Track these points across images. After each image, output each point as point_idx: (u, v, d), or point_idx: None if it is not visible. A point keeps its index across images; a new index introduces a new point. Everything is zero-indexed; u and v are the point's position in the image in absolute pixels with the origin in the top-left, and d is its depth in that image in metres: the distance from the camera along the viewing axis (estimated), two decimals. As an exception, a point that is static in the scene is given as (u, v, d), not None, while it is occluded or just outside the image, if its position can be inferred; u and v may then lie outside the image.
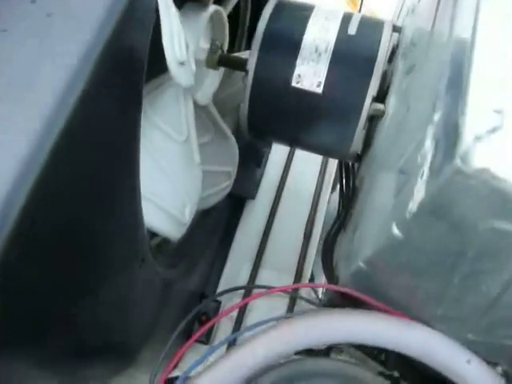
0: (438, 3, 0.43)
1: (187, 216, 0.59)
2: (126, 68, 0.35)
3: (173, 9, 0.41)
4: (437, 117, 0.28)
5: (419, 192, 0.28)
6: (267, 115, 0.56)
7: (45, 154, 0.26)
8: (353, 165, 0.65)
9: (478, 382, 0.24)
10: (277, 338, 0.24)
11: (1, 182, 0.25)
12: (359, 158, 0.62)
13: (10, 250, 0.26)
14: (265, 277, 0.79)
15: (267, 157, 0.89)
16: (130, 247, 0.43)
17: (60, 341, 0.38)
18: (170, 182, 0.56)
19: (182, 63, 0.44)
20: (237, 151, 0.76)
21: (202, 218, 0.77)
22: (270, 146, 0.89)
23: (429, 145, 0.28)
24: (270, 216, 0.85)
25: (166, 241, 0.65)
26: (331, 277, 0.61)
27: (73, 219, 0.34)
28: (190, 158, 0.59)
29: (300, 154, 0.90)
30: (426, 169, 0.28)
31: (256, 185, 0.86)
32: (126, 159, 0.39)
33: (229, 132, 0.74)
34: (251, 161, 0.86)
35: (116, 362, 0.55)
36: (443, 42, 0.34)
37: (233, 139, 0.75)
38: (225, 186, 0.78)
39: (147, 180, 0.46)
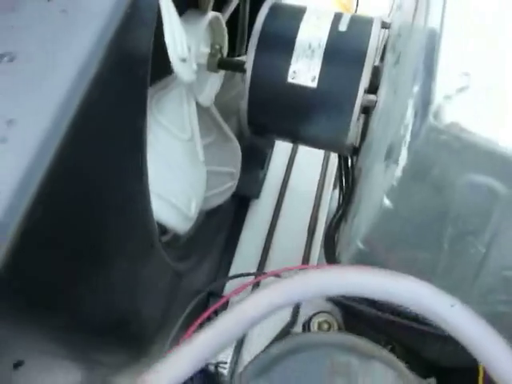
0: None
1: (193, 210, 0.61)
2: (131, 63, 0.38)
3: (173, 9, 0.44)
4: (416, 89, 0.30)
5: (403, 159, 0.31)
6: (266, 111, 0.59)
7: (54, 146, 0.28)
8: (351, 158, 0.67)
9: (461, 323, 0.26)
10: (272, 292, 0.26)
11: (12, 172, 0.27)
12: (356, 151, 0.65)
13: (25, 230, 0.27)
14: (271, 273, 0.81)
15: (270, 158, 0.92)
16: (140, 232, 0.46)
17: (73, 320, 0.40)
18: (175, 177, 0.59)
19: (183, 60, 0.47)
20: (239, 152, 0.79)
21: (208, 217, 0.80)
22: (271, 147, 0.92)
23: (410, 115, 0.31)
24: (274, 215, 0.88)
25: (174, 239, 0.68)
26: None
27: (83, 206, 0.36)
28: (195, 155, 0.62)
29: (302, 154, 0.93)
30: (407, 136, 0.30)
31: (259, 185, 0.89)
32: (133, 149, 0.42)
33: (231, 134, 0.77)
34: (254, 162, 0.89)
35: (129, 351, 0.57)
36: (421, 28, 0.37)
37: (235, 141, 0.78)
38: (229, 186, 0.80)
39: (154, 175, 0.49)
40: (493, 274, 0.36)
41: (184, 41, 0.47)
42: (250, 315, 0.26)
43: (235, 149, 0.78)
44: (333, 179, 0.91)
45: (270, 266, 0.83)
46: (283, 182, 0.90)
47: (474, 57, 0.28)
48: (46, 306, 0.35)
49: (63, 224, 0.32)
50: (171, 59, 0.46)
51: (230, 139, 0.77)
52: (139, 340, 0.58)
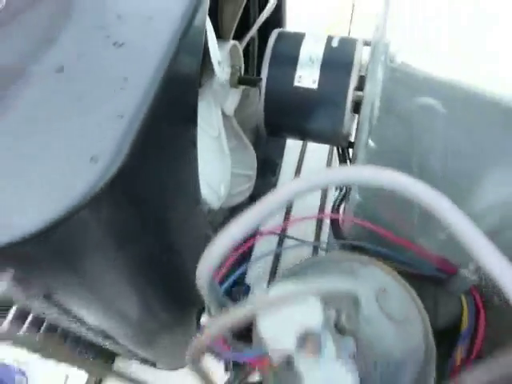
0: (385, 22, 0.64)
1: (222, 191, 0.76)
2: (185, 84, 0.51)
3: (211, 27, 0.62)
4: (383, 58, 0.46)
5: (377, 104, 0.46)
6: (278, 110, 0.75)
7: (154, 91, 0.42)
8: (348, 150, 0.83)
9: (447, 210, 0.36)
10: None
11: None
12: (352, 144, 0.80)
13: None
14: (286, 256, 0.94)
15: (280, 166, 1.07)
16: (191, 192, 0.60)
17: (148, 257, 0.53)
18: (209, 164, 0.74)
19: (219, 62, 0.64)
20: (255, 158, 0.95)
21: (231, 215, 0.94)
22: (281, 158, 1.08)
23: (380, 75, 0.46)
24: (286, 214, 1.02)
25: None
26: (339, 234, 0.76)
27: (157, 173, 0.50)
28: (222, 149, 0.78)
29: (306, 163, 1.08)
30: (378, 89, 0.45)
31: (272, 189, 1.04)
32: (188, 145, 0.57)
33: (248, 142, 0.93)
34: (267, 170, 1.04)
35: (175, 311, 0.68)
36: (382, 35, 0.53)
37: (252, 148, 0.94)
38: (247, 187, 0.95)
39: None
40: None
41: (218, 49, 0.64)
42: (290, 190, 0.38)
43: (252, 154, 0.94)
44: (335, 183, 1.06)
45: (286, 255, 0.96)
46: (292, 186, 1.05)
47: (408, 26, 0.44)
48: (138, 228, 0.49)
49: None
50: (212, 60, 0.62)
51: (247, 146, 0.93)
52: (183, 304, 0.70)
